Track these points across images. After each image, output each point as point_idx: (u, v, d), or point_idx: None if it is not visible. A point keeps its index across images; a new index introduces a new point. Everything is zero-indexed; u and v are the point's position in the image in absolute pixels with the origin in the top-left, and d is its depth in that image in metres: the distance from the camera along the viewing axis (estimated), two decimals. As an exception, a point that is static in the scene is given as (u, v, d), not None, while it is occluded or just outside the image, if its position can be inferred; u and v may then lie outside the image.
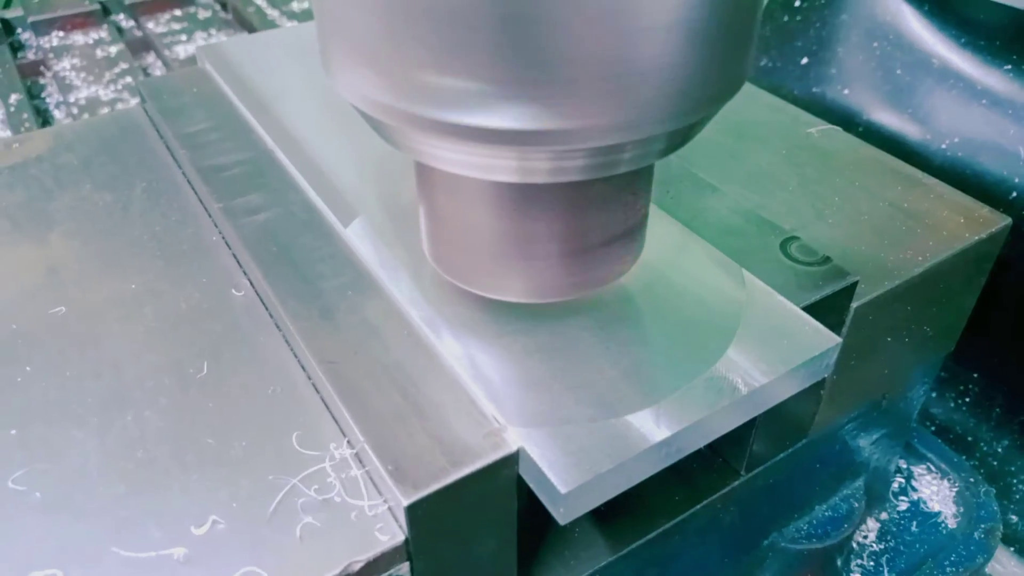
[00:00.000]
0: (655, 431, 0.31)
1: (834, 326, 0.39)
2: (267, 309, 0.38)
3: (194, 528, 0.30)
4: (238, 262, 0.41)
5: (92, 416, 0.34)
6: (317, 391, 0.34)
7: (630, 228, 0.34)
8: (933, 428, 0.70)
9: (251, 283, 0.40)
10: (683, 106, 0.27)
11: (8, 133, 1.00)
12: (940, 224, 0.46)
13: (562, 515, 0.29)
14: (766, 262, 0.40)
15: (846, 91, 0.68)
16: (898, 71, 0.65)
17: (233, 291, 0.40)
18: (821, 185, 0.49)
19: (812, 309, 0.38)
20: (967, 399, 0.68)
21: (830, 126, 0.55)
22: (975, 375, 0.67)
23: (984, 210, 0.48)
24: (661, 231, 0.41)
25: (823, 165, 0.51)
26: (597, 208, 0.32)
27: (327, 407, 0.34)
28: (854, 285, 0.40)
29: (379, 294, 0.37)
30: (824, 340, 0.35)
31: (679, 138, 0.29)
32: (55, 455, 0.32)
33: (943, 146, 0.62)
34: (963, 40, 0.62)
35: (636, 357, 0.34)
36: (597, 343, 0.35)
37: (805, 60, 0.71)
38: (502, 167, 0.28)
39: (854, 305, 0.41)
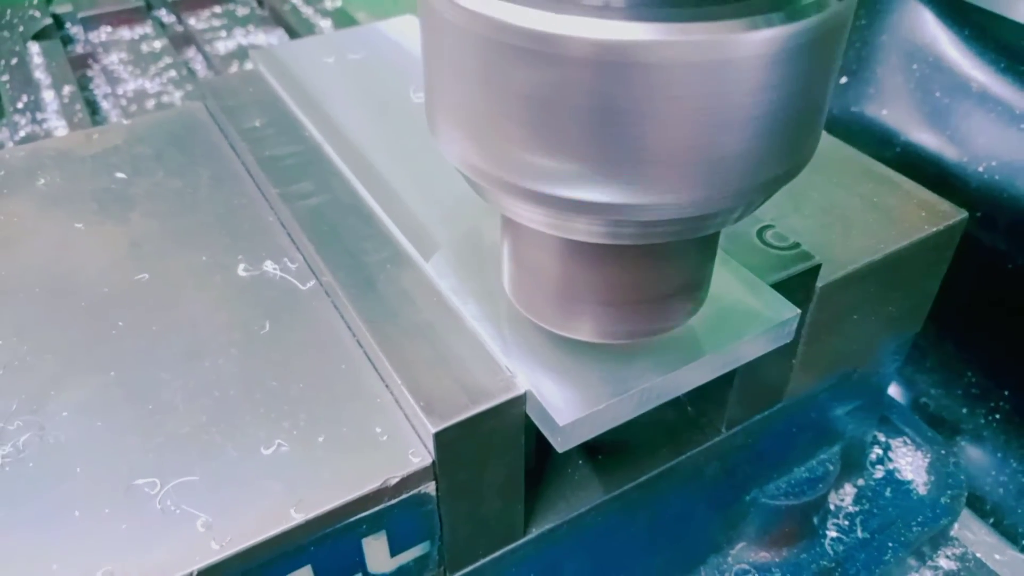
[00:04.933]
0: (639, 379, 0.37)
1: (801, 302, 0.46)
2: (318, 278, 0.45)
3: (263, 449, 0.37)
4: (292, 239, 0.48)
5: (175, 363, 0.41)
6: (360, 345, 0.41)
7: (698, 280, 0.36)
8: (963, 442, 0.73)
9: (304, 257, 0.47)
10: (759, 183, 0.29)
11: (63, 122, 1.07)
12: (903, 217, 0.52)
13: (560, 443, 0.36)
14: (744, 246, 0.46)
15: (884, 111, 0.69)
16: (937, 93, 0.66)
17: (288, 263, 0.47)
18: (801, 181, 0.55)
19: (781, 286, 0.44)
20: (997, 415, 0.71)
21: (815, 128, 0.61)
22: (1006, 392, 0.70)
23: (945, 205, 0.54)
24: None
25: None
26: (667, 264, 0.34)
27: (368, 358, 0.41)
28: (817, 267, 0.46)
29: (413, 268, 0.44)
30: (786, 311, 0.42)
31: (752, 208, 0.32)
32: (148, 392, 0.40)
33: (980, 169, 0.63)
34: (1002, 64, 0.63)
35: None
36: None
37: (844, 79, 0.72)
38: (584, 231, 0.30)
39: (818, 285, 0.47)
